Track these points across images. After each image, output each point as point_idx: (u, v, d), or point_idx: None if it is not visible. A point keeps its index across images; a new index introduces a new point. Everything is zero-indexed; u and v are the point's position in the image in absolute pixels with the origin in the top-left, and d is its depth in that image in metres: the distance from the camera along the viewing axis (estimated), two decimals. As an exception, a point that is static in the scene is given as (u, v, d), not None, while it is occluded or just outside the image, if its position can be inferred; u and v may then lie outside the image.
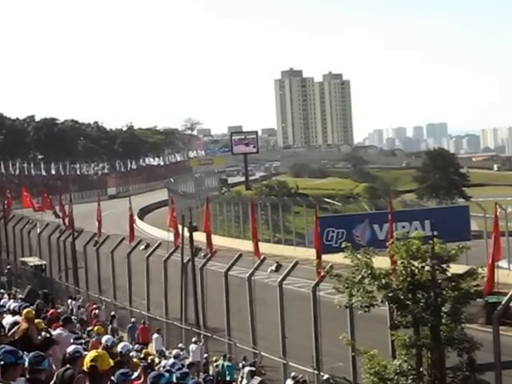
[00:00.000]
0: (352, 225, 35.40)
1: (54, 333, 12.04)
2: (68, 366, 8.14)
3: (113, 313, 27.70)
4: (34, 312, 12.75)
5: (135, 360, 13.16)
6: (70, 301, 29.84)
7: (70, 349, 8.77)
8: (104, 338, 11.92)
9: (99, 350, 8.56)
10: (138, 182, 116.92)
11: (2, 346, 7.07)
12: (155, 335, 24.55)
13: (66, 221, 36.46)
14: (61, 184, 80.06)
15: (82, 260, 34.62)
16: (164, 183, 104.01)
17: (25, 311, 12.31)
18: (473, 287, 16.48)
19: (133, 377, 9.79)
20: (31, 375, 6.64)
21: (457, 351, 16.15)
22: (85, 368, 7.23)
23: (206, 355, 22.07)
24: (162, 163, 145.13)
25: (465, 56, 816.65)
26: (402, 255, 16.40)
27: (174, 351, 20.00)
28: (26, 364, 6.63)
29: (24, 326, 11.36)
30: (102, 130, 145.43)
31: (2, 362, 6.48)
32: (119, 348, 11.45)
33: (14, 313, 13.75)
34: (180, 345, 22.44)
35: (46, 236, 38.20)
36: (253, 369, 20.35)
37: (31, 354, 6.82)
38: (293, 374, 19.13)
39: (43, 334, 11.83)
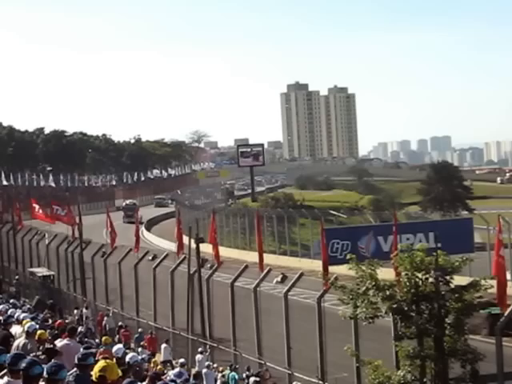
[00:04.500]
0: (357, 237, 35.46)
1: (60, 343, 12.07)
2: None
3: (120, 323, 27.92)
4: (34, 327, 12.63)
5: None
6: (76, 311, 30.06)
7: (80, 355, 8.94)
8: (114, 348, 11.99)
9: (108, 360, 8.75)
10: (145, 194, 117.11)
11: (25, 356, 7.15)
12: (164, 345, 24.68)
13: (76, 231, 36.60)
14: (69, 196, 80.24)
15: (90, 271, 34.78)
16: (171, 195, 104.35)
17: (26, 326, 12.31)
18: (476, 299, 16.65)
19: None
20: None
21: (460, 362, 16.20)
22: (93, 378, 7.39)
23: (215, 365, 22.20)
24: (171, 174, 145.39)
25: (469, 69, 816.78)
26: (406, 267, 16.53)
27: (181, 360, 20.14)
28: (45, 374, 6.64)
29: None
30: (110, 142, 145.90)
31: (31, 374, 6.53)
32: (127, 358, 11.60)
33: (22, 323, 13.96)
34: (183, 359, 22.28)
35: (55, 247, 38.36)
36: (258, 379, 20.47)
37: (49, 363, 6.88)
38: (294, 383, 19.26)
39: (47, 345, 11.79)
